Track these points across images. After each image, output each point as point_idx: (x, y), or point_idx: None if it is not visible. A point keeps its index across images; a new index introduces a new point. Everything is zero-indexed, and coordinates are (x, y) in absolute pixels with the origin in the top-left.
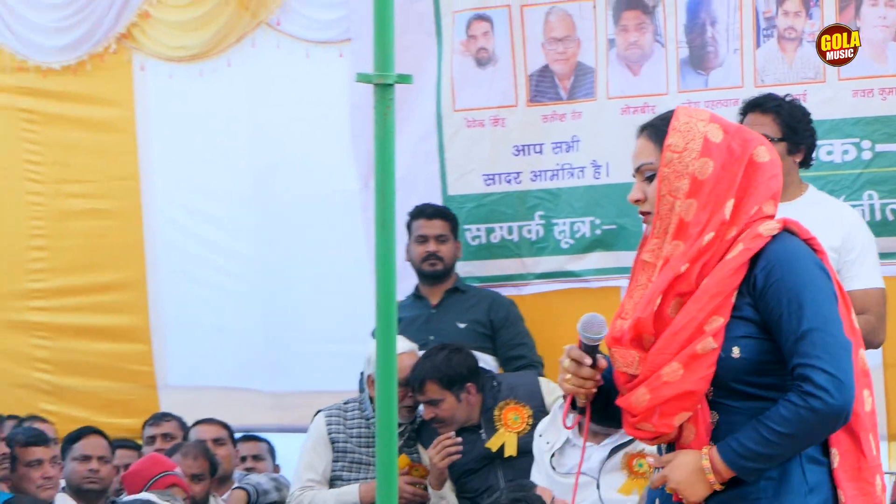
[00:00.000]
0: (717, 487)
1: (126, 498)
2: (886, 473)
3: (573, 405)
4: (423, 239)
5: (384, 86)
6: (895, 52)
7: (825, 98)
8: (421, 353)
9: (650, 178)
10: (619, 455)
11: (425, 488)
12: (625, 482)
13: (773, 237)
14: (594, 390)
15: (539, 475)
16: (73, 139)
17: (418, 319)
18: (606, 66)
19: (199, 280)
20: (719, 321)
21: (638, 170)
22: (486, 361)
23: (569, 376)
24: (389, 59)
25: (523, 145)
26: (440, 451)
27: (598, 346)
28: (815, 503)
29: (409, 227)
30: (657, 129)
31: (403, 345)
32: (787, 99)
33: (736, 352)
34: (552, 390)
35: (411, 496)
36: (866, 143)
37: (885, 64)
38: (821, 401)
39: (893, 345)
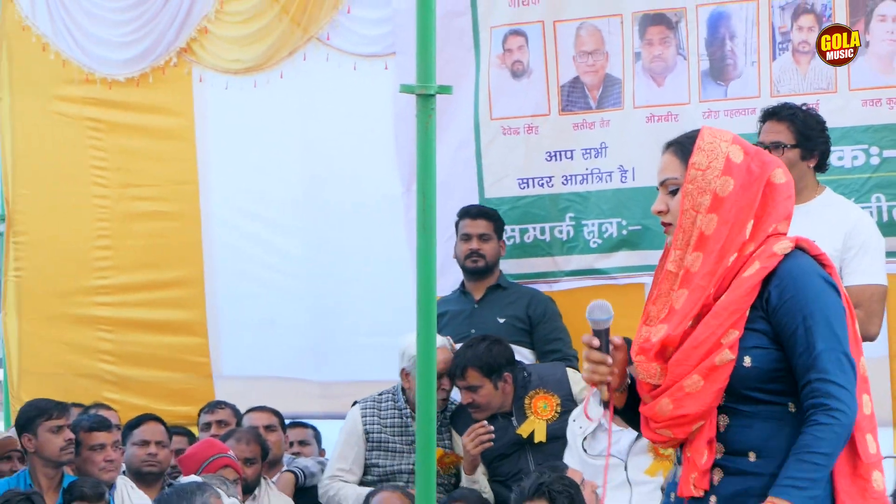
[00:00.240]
0: None
1: (182, 479)
2: (890, 457)
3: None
4: (467, 237)
5: (426, 96)
6: None
7: (836, 107)
8: (459, 345)
9: (673, 192)
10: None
11: (457, 474)
12: (651, 464)
13: (786, 255)
14: (611, 379)
15: (572, 458)
16: (137, 146)
17: (462, 313)
18: (633, 77)
19: (253, 277)
20: (735, 334)
21: (662, 183)
22: (524, 355)
23: (587, 365)
24: (431, 71)
25: (555, 151)
26: (474, 439)
27: (606, 329)
28: (821, 496)
29: (456, 226)
30: (683, 147)
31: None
32: (804, 108)
33: (747, 361)
34: (579, 381)
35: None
36: (874, 150)
37: (893, 75)
38: (844, 414)
39: None
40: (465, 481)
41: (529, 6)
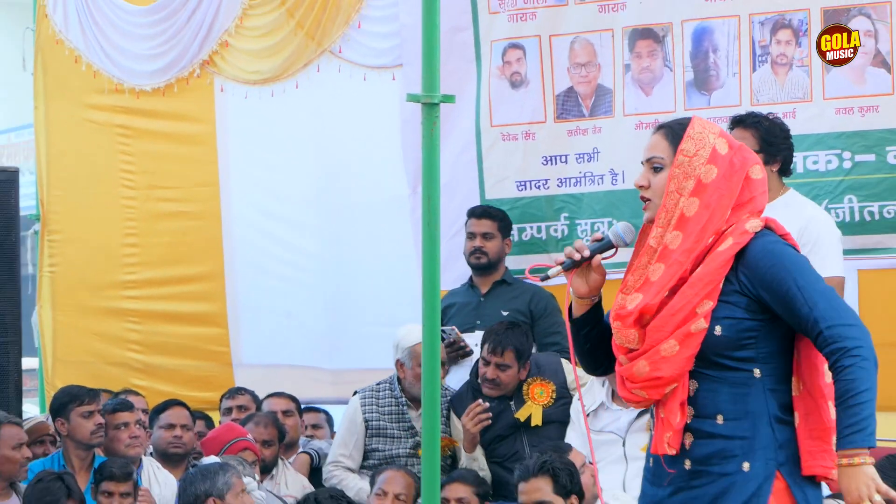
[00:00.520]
0: (871, 462)
1: (204, 460)
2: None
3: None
4: (472, 236)
5: (431, 105)
6: (872, 75)
7: (812, 115)
8: (464, 335)
9: (657, 170)
10: (645, 417)
11: (452, 456)
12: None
13: (757, 234)
14: (576, 259)
15: (574, 434)
16: (162, 151)
17: (469, 305)
18: (623, 87)
19: (270, 272)
20: (709, 304)
21: (648, 160)
22: None
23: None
24: (435, 81)
25: (551, 156)
26: (473, 418)
27: (609, 248)
28: (785, 457)
29: (466, 224)
30: (673, 131)
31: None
32: (769, 116)
33: (718, 330)
34: (572, 370)
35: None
36: (847, 154)
37: (864, 85)
38: (863, 348)
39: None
40: (464, 460)
41: (527, 21)
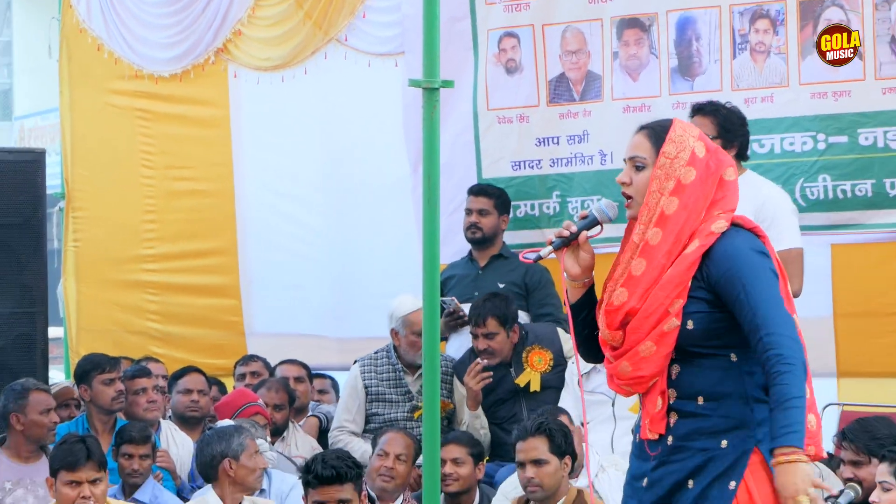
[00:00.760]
0: (805, 460)
1: (219, 424)
2: (834, 405)
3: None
4: (469, 212)
5: (431, 90)
6: None
7: (788, 100)
8: (463, 305)
9: (638, 168)
10: None
11: (448, 418)
12: (635, 402)
13: (722, 234)
14: (565, 237)
15: (568, 396)
16: (179, 133)
17: (468, 277)
18: (611, 73)
19: (280, 247)
20: (680, 303)
21: (631, 159)
22: (520, 316)
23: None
24: (435, 68)
25: (544, 138)
26: (475, 377)
27: (595, 224)
28: (763, 433)
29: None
30: (656, 133)
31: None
32: (727, 105)
33: (690, 324)
34: (568, 339)
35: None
36: (821, 136)
37: (837, 72)
38: (795, 356)
39: (842, 297)
40: (468, 417)
41: (521, 11)
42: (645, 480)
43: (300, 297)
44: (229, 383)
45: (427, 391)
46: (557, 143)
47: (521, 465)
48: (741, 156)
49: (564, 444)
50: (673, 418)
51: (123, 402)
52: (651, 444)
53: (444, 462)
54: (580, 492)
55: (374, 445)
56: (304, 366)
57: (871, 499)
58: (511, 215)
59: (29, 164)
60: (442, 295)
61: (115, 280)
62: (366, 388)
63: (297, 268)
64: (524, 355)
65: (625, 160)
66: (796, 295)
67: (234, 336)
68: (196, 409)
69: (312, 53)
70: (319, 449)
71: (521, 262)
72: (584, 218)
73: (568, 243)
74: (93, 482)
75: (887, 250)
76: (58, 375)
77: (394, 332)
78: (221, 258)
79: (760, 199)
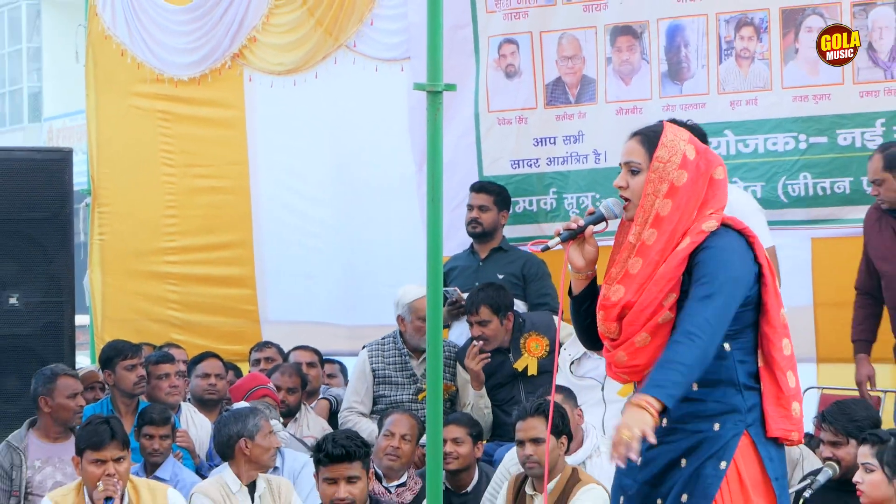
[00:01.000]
0: (656, 417)
1: (234, 406)
2: (814, 388)
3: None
4: (470, 208)
5: (435, 93)
6: (825, 67)
7: (771, 102)
8: (466, 293)
9: (634, 172)
10: None
11: (450, 400)
12: (623, 386)
13: (712, 233)
14: (574, 229)
15: (560, 379)
16: (198, 133)
17: (469, 268)
18: (605, 77)
19: (293, 240)
20: (673, 297)
21: (626, 164)
22: (518, 306)
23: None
24: (439, 72)
25: (541, 138)
26: (474, 357)
27: (600, 220)
28: (752, 419)
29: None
30: (648, 138)
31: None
32: (689, 123)
33: None
34: (564, 326)
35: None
36: (802, 137)
37: (817, 76)
38: (701, 339)
39: (821, 287)
40: (472, 397)
41: (520, 19)
42: (639, 459)
43: (312, 287)
44: (245, 368)
45: (430, 375)
46: (554, 143)
47: (521, 443)
48: None
49: (562, 425)
50: None
51: (145, 387)
52: None
53: (444, 442)
54: (575, 469)
55: (380, 426)
56: (316, 351)
57: (854, 479)
58: (510, 211)
59: (57, 163)
60: (445, 286)
61: (138, 271)
62: (373, 371)
63: (309, 259)
64: (522, 342)
65: (620, 164)
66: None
67: (250, 324)
68: (214, 392)
69: (323, 59)
70: (330, 429)
71: (521, 248)
72: (591, 214)
73: (575, 236)
74: (116, 461)
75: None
76: (84, 361)
77: (400, 319)
78: (238, 251)
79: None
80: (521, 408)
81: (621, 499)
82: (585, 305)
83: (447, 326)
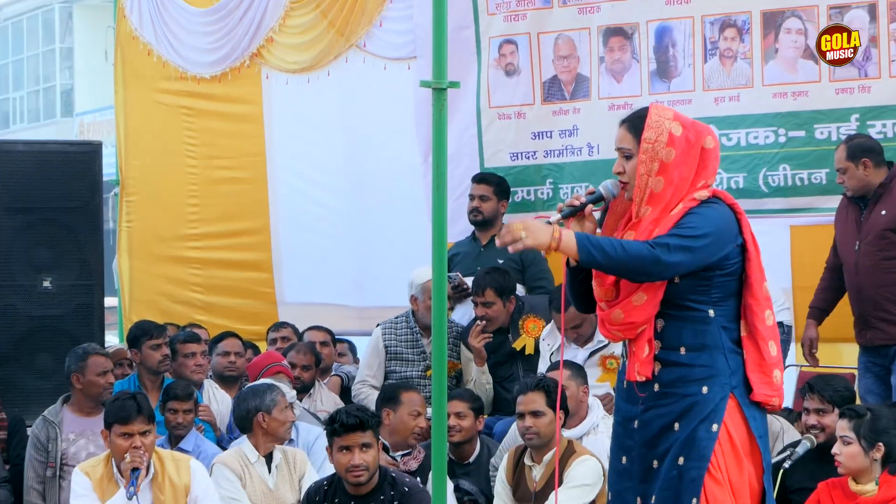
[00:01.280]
0: (554, 245)
1: (252, 383)
2: (793, 366)
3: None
4: (472, 197)
5: (440, 90)
6: (803, 66)
7: (753, 99)
8: (468, 278)
9: (627, 157)
10: (597, 356)
11: (456, 377)
12: (600, 375)
13: (702, 201)
14: (575, 206)
15: (543, 368)
16: (219, 128)
17: (471, 254)
18: (598, 75)
19: (307, 227)
20: None
21: (619, 150)
22: (517, 289)
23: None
24: (444, 70)
25: (538, 132)
26: (477, 336)
27: (600, 200)
28: (737, 381)
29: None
30: (634, 124)
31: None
32: None
33: (676, 279)
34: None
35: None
36: (782, 131)
37: (796, 74)
38: (658, 258)
39: (799, 272)
40: (475, 373)
41: (519, 21)
42: (636, 422)
43: (325, 270)
44: (263, 347)
45: (436, 352)
46: (550, 136)
47: (521, 415)
48: None
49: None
50: (657, 367)
51: (169, 365)
52: (640, 386)
53: (448, 416)
54: (570, 442)
55: (386, 400)
56: (329, 331)
57: (833, 451)
58: (510, 200)
59: (88, 155)
60: (448, 271)
61: (162, 256)
62: (386, 347)
63: (322, 245)
64: (521, 323)
65: (615, 151)
66: None
67: (267, 305)
68: (233, 370)
69: (335, 58)
70: (342, 404)
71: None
72: (591, 193)
73: (575, 213)
74: (143, 434)
75: None
76: (112, 340)
77: (413, 298)
78: (256, 237)
79: None
80: (521, 383)
81: (624, 458)
82: (581, 276)
83: (450, 309)
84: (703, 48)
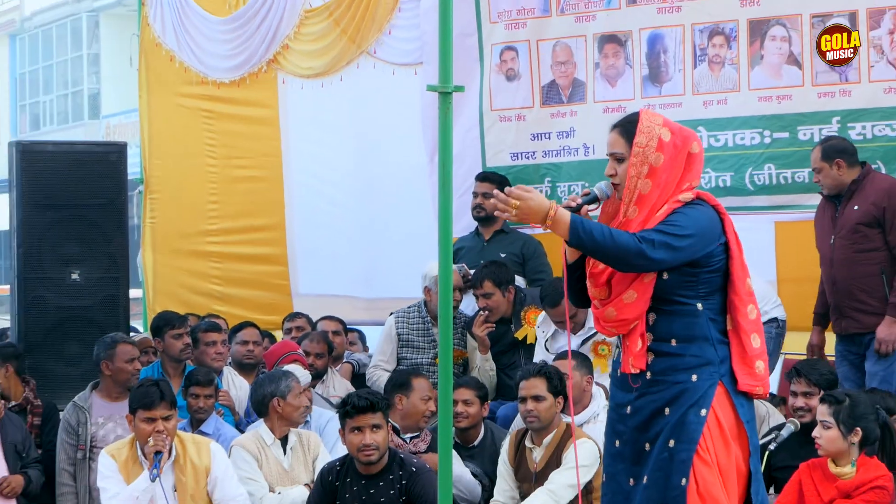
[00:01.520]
0: (548, 222)
1: (268, 371)
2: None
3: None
4: (475, 195)
5: (445, 93)
6: (787, 71)
7: (740, 102)
8: (472, 270)
9: (619, 160)
10: (589, 343)
11: (462, 365)
12: (592, 360)
13: (686, 202)
14: (574, 204)
15: (538, 355)
16: (237, 130)
17: (474, 248)
18: (593, 80)
19: (320, 223)
20: None
21: (611, 154)
22: (518, 282)
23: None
24: (449, 75)
25: (537, 133)
26: (480, 325)
27: (595, 201)
28: (725, 370)
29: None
30: (626, 129)
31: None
32: None
33: (665, 275)
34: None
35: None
36: (767, 132)
37: (780, 79)
38: (643, 251)
39: (784, 265)
40: (479, 361)
41: (519, 29)
42: (629, 408)
43: (336, 264)
44: (278, 336)
45: (442, 342)
46: (549, 137)
47: (523, 399)
48: None
49: (560, 386)
50: (650, 357)
51: (190, 353)
52: (633, 377)
53: (455, 402)
54: (569, 426)
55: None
56: (341, 321)
57: (813, 434)
58: None
59: (113, 155)
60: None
61: (184, 250)
62: (398, 335)
63: (334, 240)
64: (522, 314)
65: (607, 155)
66: None
67: (283, 296)
68: (251, 357)
69: (347, 64)
70: (353, 389)
71: (520, 230)
72: (586, 194)
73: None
74: (165, 418)
75: None
76: (137, 330)
77: (426, 290)
78: (272, 232)
79: None
80: (524, 369)
81: (616, 442)
82: (578, 273)
83: (458, 300)
84: (692, 54)
